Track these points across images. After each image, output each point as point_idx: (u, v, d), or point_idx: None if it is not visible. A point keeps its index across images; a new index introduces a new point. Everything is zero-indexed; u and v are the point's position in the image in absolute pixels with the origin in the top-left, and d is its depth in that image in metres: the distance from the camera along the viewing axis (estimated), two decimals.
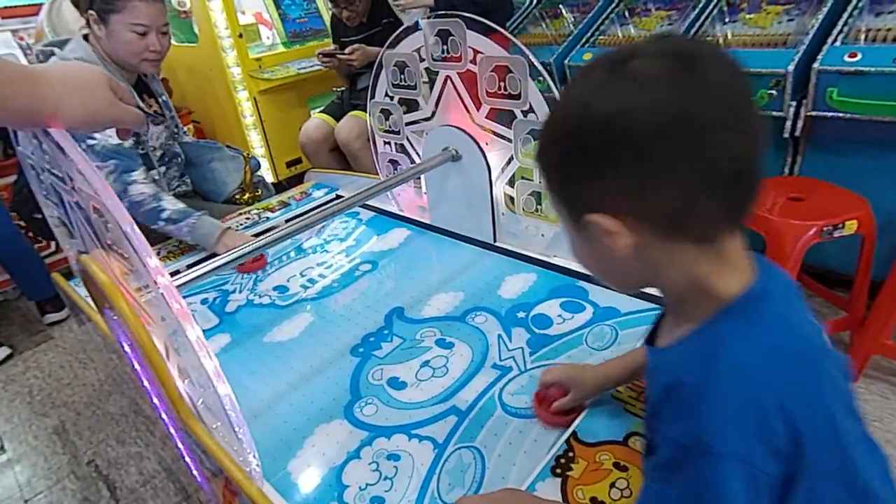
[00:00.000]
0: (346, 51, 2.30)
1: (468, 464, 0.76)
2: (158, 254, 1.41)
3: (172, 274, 1.12)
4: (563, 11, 2.26)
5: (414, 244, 1.41)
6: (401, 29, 1.27)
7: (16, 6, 2.69)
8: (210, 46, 2.62)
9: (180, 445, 0.98)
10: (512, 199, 1.25)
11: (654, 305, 0.99)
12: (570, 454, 0.73)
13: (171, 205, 1.42)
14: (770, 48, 1.61)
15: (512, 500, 0.67)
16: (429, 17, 1.18)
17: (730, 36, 1.72)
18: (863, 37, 1.46)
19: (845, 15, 1.52)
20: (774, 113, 1.56)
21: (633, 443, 0.74)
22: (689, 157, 0.42)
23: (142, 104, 1.56)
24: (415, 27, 1.23)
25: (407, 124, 1.39)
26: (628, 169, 0.43)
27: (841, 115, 1.45)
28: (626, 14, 2.05)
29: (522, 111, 1.11)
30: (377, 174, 1.61)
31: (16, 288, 2.34)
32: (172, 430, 0.96)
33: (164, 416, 0.95)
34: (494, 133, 1.20)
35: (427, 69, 1.27)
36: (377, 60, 1.35)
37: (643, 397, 0.80)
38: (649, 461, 0.50)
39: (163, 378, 0.78)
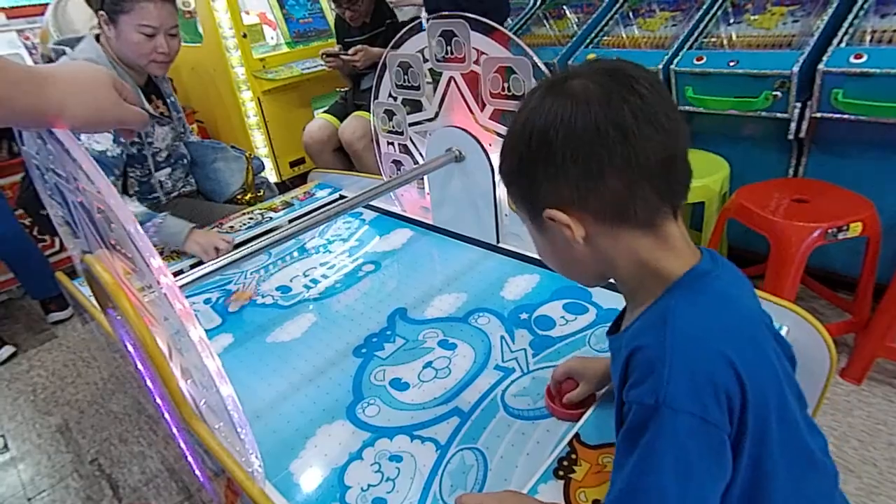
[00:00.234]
0: (350, 51, 2.30)
1: (470, 465, 0.76)
2: (161, 254, 1.42)
3: (176, 274, 1.13)
4: (567, 12, 2.25)
5: (417, 245, 1.41)
6: (404, 30, 1.27)
7: (21, 6, 2.70)
8: (214, 46, 2.62)
9: (183, 445, 0.98)
10: None
11: None
12: (573, 456, 0.73)
13: (133, 208, 1.41)
14: (775, 49, 1.60)
15: (514, 502, 0.67)
16: (430, 18, 1.18)
17: (734, 37, 1.71)
18: (868, 38, 1.45)
19: (851, 16, 1.51)
20: (779, 114, 1.56)
21: None
22: (625, 153, 0.49)
23: (148, 106, 1.55)
24: (418, 28, 1.23)
25: (410, 125, 1.39)
26: (574, 168, 0.51)
27: (846, 116, 1.44)
28: (631, 15, 2.04)
29: None
30: (380, 175, 1.61)
31: (20, 287, 2.35)
32: (175, 430, 0.96)
33: (166, 415, 0.96)
34: (498, 134, 1.20)
35: (431, 70, 1.27)
36: (381, 61, 1.35)
37: None
38: (618, 435, 0.53)
39: (165, 378, 0.78)
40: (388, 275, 1.29)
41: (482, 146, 1.22)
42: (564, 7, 2.28)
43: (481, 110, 1.20)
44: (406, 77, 1.32)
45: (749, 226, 1.48)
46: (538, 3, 2.39)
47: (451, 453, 0.78)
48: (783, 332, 0.86)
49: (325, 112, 2.59)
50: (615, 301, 1.04)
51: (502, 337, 1.01)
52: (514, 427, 0.81)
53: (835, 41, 1.48)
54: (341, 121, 2.47)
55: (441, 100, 1.27)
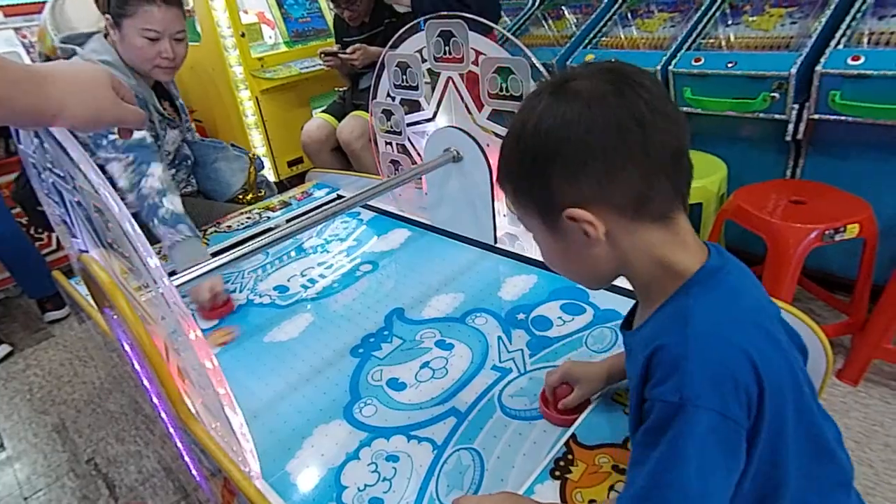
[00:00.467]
0: (348, 50, 2.30)
1: (467, 465, 0.76)
2: (159, 253, 1.41)
3: (172, 273, 1.13)
4: (566, 13, 2.26)
5: (414, 245, 1.41)
6: (403, 29, 1.27)
7: (19, 4, 2.69)
8: (212, 45, 2.62)
9: (179, 444, 0.98)
10: None
11: None
12: (570, 457, 0.73)
13: (170, 205, 1.34)
14: (773, 51, 1.60)
15: None
16: (427, 18, 1.18)
17: (732, 38, 1.72)
18: (866, 40, 1.46)
19: (848, 18, 1.52)
20: (777, 116, 1.56)
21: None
22: (645, 146, 0.51)
23: (162, 110, 1.54)
24: (417, 28, 1.23)
25: (408, 125, 1.39)
26: (595, 164, 0.51)
27: (843, 118, 1.45)
28: (629, 16, 2.04)
29: None
30: (378, 174, 1.61)
31: (17, 286, 2.35)
32: (171, 430, 0.96)
33: (163, 415, 0.96)
34: (496, 134, 1.20)
35: (429, 70, 1.27)
36: (379, 60, 1.35)
37: None
38: (638, 433, 0.53)
39: (162, 377, 0.78)
40: (385, 275, 1.29)
41: (480, 146, 1.22)
42: (563, 7, 2.28)
43: (479, 110, 1.20)
44: (404, 77, 1.32)
45: (746, 227, 1.48)
46: (537, 4, 2.40)
47: (447, 453, 0.78)
48: None
49: (323, 111, 2.59)
50: (612, 302, 1.04)
51: (499, 337, 1.01)
52: (510, 427, 0.81)
53: (832, 43, 1.48)
54: (339, 120, 2.47)
55: (439, 100, 1.27)
